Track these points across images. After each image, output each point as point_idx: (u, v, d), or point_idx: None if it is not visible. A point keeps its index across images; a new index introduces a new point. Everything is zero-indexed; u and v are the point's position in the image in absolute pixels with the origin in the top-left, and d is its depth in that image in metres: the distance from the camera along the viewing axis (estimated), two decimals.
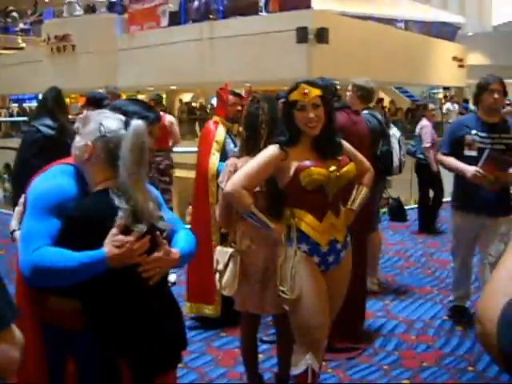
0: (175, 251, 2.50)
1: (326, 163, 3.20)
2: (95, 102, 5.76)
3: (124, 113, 2.55)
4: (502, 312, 1.19)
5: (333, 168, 3.19)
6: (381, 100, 21.99)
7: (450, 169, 5.13)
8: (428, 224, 8.93)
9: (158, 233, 2.39)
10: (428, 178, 8.67)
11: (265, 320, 4.61)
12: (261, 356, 4.51)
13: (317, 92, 3.18)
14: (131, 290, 2.37)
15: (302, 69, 13.36)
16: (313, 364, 3.30)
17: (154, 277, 2.41)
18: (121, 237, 2.24)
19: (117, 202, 2.27)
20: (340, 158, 3.27)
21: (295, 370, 3.35)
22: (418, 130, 8.70)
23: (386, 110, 22.26)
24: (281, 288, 3.23)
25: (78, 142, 2.40)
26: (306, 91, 3.16)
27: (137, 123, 2.31)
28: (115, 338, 2.37)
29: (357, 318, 4.92)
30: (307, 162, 3.15)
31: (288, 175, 3.17)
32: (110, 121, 2.38)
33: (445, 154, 5.09)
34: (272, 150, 3.20)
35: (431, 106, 9.12)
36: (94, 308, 2.39)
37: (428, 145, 8.43)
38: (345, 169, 3.25)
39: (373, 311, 5.59)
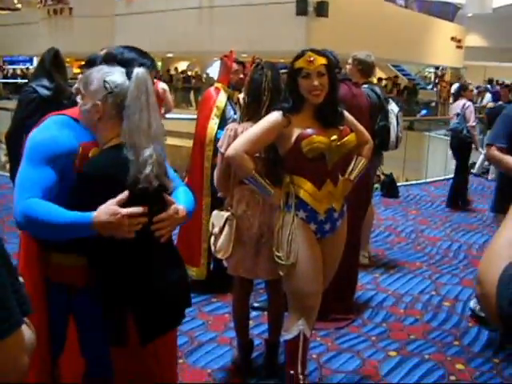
0: (182, 209, 2.52)
1: (328, 132, 3.22)
2: (94, 63, 5.73)
3: (121, 60, 2.54)
4: (501, 274, 1.23)
5: (334, 137, 3.21)
6: (380, 79, 21.95)
7: (506, 169, 4.18)
8: (458, 200, 9.10)
9: (166, 192, 2.43)
10: (468, 155, 8.79)
11: (256, 287, 4.65)
12: (251, 322, 4.55)
13: (322, 61, 3.19)
14: (140, 247, 2.39)
15: (300, 41, 13.31)
16: (305, 330, 3.35)
17: (165, 235, 2.45)
18: (114, 207, 2.23)
19: (129, 155, 2.27)
20: (341, 127, 3.29)
21: (286, 335, 3.40)
22: (458, 109, 8.75)
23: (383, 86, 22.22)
24: (277, 253, 3.27)
25: (85, 104, 2.37)
26: (312, 59, 3.17)
27: (139, 71, 2.30)
28: (122, 292, 2.39)
29: (348, 289, 4.97)
30: (309, 130, 3.17)
31: (289, 142, 3.20)
32: (114, 75, 2.35)
33: (500, 149, 4.17)
34: (275, 116, 3.22)
35: (471, 86, 9.24)
36: (101, 263, 2.42)
37: (474, 123, 8.54)
38: (346, 138, 3.27)
39: (363, 284, 5.66)
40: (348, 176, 3.51)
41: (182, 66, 25.13)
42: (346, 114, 3.42)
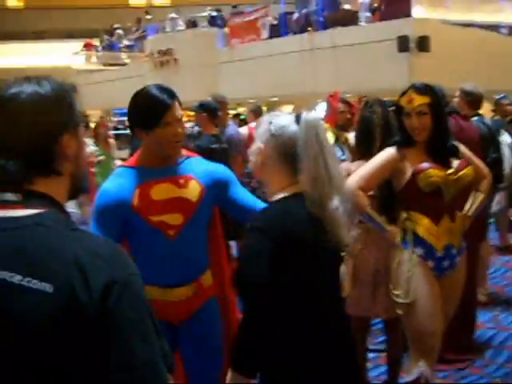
0: None
1: (443, 166, 3.17)
2: (209, 110, 5.97)
3: (144, 99, 2.62)
4: None
5: (451, 170, 3.15)
6: (493, 111, 21.33)
7: None
8: None
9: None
10: None
11: (372, 328, 4.57)
12: (368, 364, 4.48)
13: (424, 99, 3.15)
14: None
15: (403, 77, 13.18)
16: (426, 371, 3.24)
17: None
18: None
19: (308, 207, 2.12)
20: (457, 161, 3.23)
21: (407, 377, 3.31)
22: None
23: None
24: (395, 292, 3.21)
25: (252, 147, 2.30)
26: (412, 98, 3.15)
27: (307, 116, 2.15)
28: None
29: (466, 328, 4.80)
30: (425, 164, 3.13)
31: (405, 177, 3.17)
32: (280, 118, 2.24)
33: None
34: (389, 151, 3.21)
35: None
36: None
37: None
38: (463, 172, 3.20)
39: (482, 322, 5.43)
40: (467, 212, 3.42)
41: (287, 109, 25.46)
42: (462, 147, 3.35)
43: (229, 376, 2.14)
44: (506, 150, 5.63)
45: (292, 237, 2.09)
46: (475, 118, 5.41)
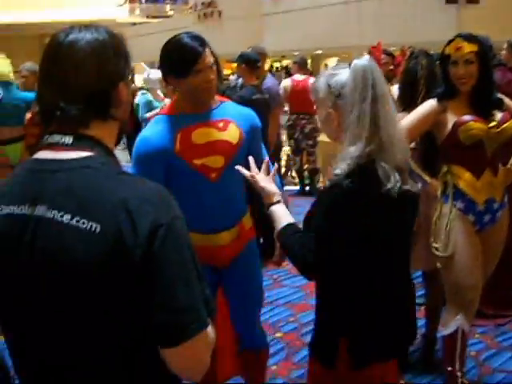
0: None
1: (486, 119, 3.11)
2: (248, 61, 5.94)
3: (178, 45, 2.65)
4: None
5: (493, 123, 3.10)
6: None
7: None
8: None
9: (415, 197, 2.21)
10: None
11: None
12: None
13: (472, 47, 3.09)
14: (373, 270, 2.13)
15: (451, 30, 12.84)
16: (463, 325, 3.24)
17: None
18: None
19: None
20: (500, 114, 3.17)
21: (444, 331, 3.31)
22: None
23: None
24: (434, 245, 3.20)
25: (320, 115, 2.20)
26: (460, 46, 3.09)
27: (356, 62, 2.03)
28: (343, 315, 2.15)
29: (507, 284, 4.76)
30: (466, 117, 3.09)
31: (446, 130, 3.13)
32: (337, 76, 2.11)
33: None
34: (430, 103, 3.17)
35: None
36: (328, 286, 2.17)
37: None
38: (506, 125, 3.13)
39: None
40: (510, 165, 3.37)
41: (332, 62, 25.15)
42: (506, 99, 3.28)
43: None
44: None
45: (361, 193, 2.01)
46: None
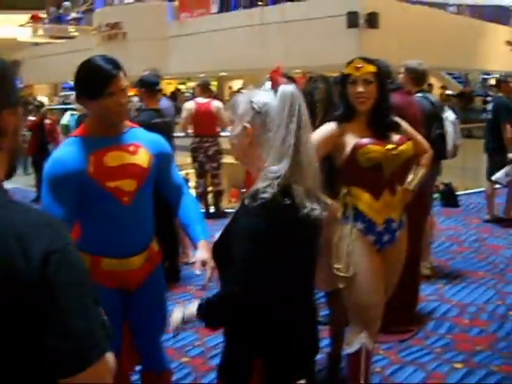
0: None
1: (384, 141, 3.19)
2: (147, 84, 5.91)
3: (89, 69, 2.66)
4: None
5: (390, 146, 3.18)
6: (429, 85, 21.69)
7: None
8: None
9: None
10: None
11: (317, 302, 4.62)
12: None
13: (370, 68, 3.18)
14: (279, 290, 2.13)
15: (352, 54, 13.20)
16: (367, 343, 3.31)
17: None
18: None
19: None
20: (397, 136, 3.26)
21: (348, 349, 3.36)
22: None
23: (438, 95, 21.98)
24: (336, 266, 3.25)
25: (234, 130, 2.18)
26: (359, 66, 3.18)
27: (284, 87, 2.08)
28: (256, 337, 2.14)
29: (410, 301, 4.90)
30: (365, 140, 3.16)
31: (345, 152, 3.18)
32: (260, 95, 2.15)
33: None
34: (329, 126, 3.23)
35: None
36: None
37: None
38: (402, 147, 3.23)
39: (425, 295, 5.56)
40: (407, 186, 3.47)
41: (237, 84, 25.36)
42: (402, 122, 3.39)
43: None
44: (449, 127, 5.72)
45: (282, 218, 2.04)
46: (419, 95, 5.52)
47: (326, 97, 3.56)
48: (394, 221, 3.29)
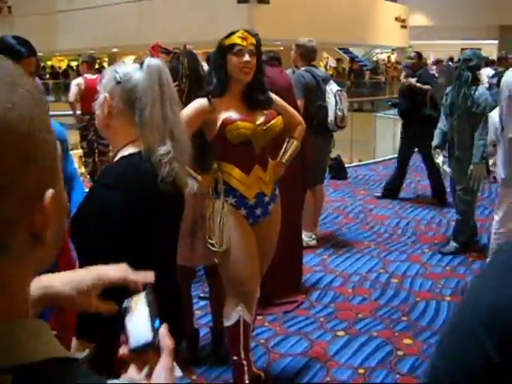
0: None
1: (254, 116, 3.19)
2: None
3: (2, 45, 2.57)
4: None
5: (260, 121, 3.19)
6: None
7: None
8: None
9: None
10: None
11: (202, 277, 4.64)
12: (199, 312, 4.57)
13: (253, 40, 3.17)
14: None
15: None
16: (244, 315, 3.34)
17: None
18: None
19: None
20: (268, 111, 3.27)
21: (227, 322, 3.40)
22: None
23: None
24: (209, 241, 3.25)
25: (97, 100, 2.12)
26: (246, 36, 3.14)
27: (150, 60, 2.05)
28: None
29: (293, 272, 4.99)
30: (234, 116, 3.14)
31: (215, 129, 3.16)
32: (125, 66, 2.12)
33: None
34: (199, 102, 3.17)
35: None
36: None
37: None
38: (272, 122, 3.24)
39: (311, 266, 5.69)
40: (280, 159, 3.49)
41: (129, 60, 24.95)
42: (275, 96, 3.39)
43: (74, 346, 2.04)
44: (331, 98, 5.81)
45: (138, 192, 2.00)
46: (302, 68, 5.64)
47: (191, 72, 3.53)
48: (266, 195, 3.32)
